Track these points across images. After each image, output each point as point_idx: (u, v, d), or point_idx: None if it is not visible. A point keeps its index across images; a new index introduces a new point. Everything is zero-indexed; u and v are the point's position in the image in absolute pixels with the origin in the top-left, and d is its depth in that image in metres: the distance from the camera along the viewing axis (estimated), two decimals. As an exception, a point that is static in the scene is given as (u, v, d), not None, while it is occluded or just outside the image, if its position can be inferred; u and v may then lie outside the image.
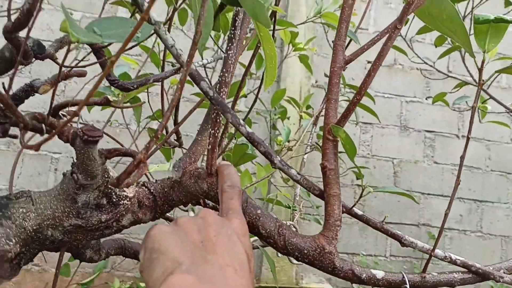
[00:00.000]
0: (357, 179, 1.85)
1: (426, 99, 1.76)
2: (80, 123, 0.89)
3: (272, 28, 0.67)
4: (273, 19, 0.65)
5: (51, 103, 0.42)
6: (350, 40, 1.05)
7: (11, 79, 0.38)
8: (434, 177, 2.77)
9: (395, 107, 2.77)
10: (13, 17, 0.42)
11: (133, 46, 0.55)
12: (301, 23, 1.06)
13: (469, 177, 2.78)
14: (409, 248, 2.65)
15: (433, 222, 2.74)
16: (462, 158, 0.52)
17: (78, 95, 0.97)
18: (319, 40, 2.54)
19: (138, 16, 0.75)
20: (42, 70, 2.27)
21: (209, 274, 0.37)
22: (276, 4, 0.71)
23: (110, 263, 2.31)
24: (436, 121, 2.80)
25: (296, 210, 0.88)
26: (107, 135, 1.04)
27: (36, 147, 0.35)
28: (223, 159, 1.00)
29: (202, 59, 0.58)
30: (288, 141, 1.69)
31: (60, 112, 0.79)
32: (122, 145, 1.17)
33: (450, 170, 2.78)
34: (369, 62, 2.73)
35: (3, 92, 0.41)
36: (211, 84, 1.40)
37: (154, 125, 1.34)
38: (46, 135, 0.63)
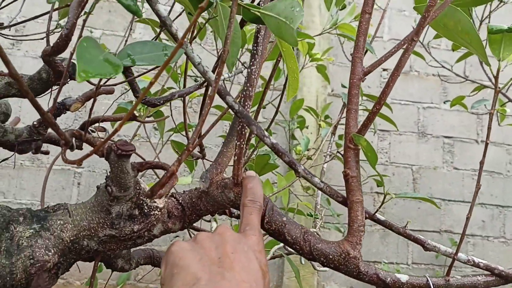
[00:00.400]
0: (378, 186, 1.85)
1: (444, 103, 1.76)
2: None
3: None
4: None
5: (88, 121, 0.45)
6: (366, 50, 1.07)
7: (55, 100, 0.41)
8: (454, 183, 2.75)
9: (412, 113, 2.76)
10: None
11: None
12: (317, 35, 1.08)
13: (490, 182, 2.76)
14: (431, 255, 2.63)
15: (455, 229, 2.71)
16: (481, 163, 0.53)
17: (101, 111, 1.00)
18: (334, 49, 2.56)
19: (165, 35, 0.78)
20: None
21: None
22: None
23: (133, 275, 2.34)
24: (454, 126, 2.79)
25: (318, 218, 0.90)
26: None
27: (79, 162, 0.38)
28: (246, 170, 1.02)
29: (230, 73, 0.61)
30: (308, 150, 1.70)
31: (90, 128, 0.83)
32: (143, 159, 1.21)
33: (470, 175, 2.75)
34: (384, 70, 2.74)
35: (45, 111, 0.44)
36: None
37: (177, 137, 1.37)
38: (77, 150, 0.66)
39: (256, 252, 0.44)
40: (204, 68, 0.51)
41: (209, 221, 1.24)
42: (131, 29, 0.77)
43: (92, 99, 0.74)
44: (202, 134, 0.85)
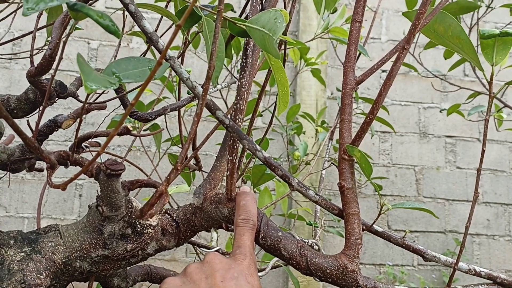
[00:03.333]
0: (376, 191, 1.83)
1: (440, 111, 1.75)
2: (104, 152, 0.92)
3: (283, 52, 0.68)
4: (284, 44, 0.67)
5: (75, 142, 0.44)
6: (359, 54, 1.06)
7: (37, 123, 0.40)
8: (457, 182, 2.73)
9: (412, 114, 2.75)
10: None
11: (145, 86, 0.57)
12: (308, 41, 1.08)
13: (494, 181, 2.74)
14: (436, 256, 2.61)
15: (460, 229, 2.69)
16: (478, 170, 0.52)
17: (98, 126, 1.00)
18: (332, 52, 2.55)
19: (154, 50, 0.77)
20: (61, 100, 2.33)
21: None
22: (290, 18, 0.72)
23: (137, 284, 2.33)
24: (456, 125, 2.77)
25: (317, 226, 0.89)
26: (128, 161, 1.07)
27: (63, 187, 0.37)
28: (243, 180, 1.01)
29: (215, 87, 0.60)
30: (307, 155, 1.69)
31: (83, 144, 0.82)
32: (142, 170, 1.20)
33: (473, 174, 2.74)
34: (384, 71, 2.73)
35: (31, 132, 0.43)
36: (226, 105, 1.42)
37: (174, 149, 1.36)
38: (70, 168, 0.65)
39: (247, 276, 0.44)
40: (193, 84, 0.50)
41: (209, 231, 1.22)
42: (119, 44, 0.77)
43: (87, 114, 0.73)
44: (197, 146, 0.85)
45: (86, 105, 0.70)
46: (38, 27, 0.62)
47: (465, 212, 2.69)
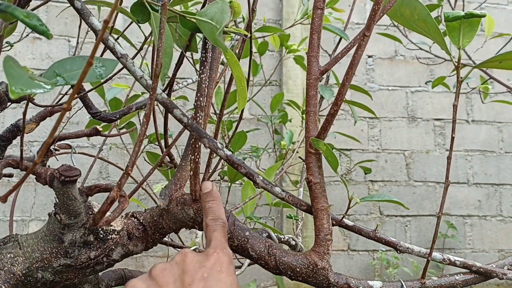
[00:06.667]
0: (365, 173, 1.82)
1: (426, 83, 1.73)
2: (75, 153, 0.89)
3: (249, 37, 0.66)
4: (249, 30, 0.64)
5: (22, 149, 0.42)
6: (341, 38, 1.05)
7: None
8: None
9: (400, 98, 2.73)
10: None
11: (101, 84, 0.55)
12: (288, 27, 1.05)
13: (484, 162, 2.73)
14: (429, 240, 2.60)
15: (451, 211, 2.69)
16: (448, 158, 0.50)
17: (65, 129, 0.97)
18: (316, 40, 2.52)
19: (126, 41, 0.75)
20: (45, 96, 2.29)
21: None
22: (253, 8, 0.70)
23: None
24: (444, 108, 2.76)
25: (297, 219, 0.87)
26: (106, 161, 1.04)
27: (3, 199, 0.35)
28: (220, 176, 0.99)
29: (165, 87, 0.58)
30: (293, 143, 1.68)
31: (52, 147, 0.80)
32: (121, 168, 1.18)
33: (463, 156, 2.73)
34: (369, 56, 2.71)
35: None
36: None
37: (152, 148, 1.34)
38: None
39: (219, 273, 0.41)
40: (147, 82, 0.48)
41: (177, 233, 1.21)
42: (79, 36, 0.74)
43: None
44: (169, 144, 0.83)
45: (50, 108, 0.68)
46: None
47: (456, 194, 2.70)
